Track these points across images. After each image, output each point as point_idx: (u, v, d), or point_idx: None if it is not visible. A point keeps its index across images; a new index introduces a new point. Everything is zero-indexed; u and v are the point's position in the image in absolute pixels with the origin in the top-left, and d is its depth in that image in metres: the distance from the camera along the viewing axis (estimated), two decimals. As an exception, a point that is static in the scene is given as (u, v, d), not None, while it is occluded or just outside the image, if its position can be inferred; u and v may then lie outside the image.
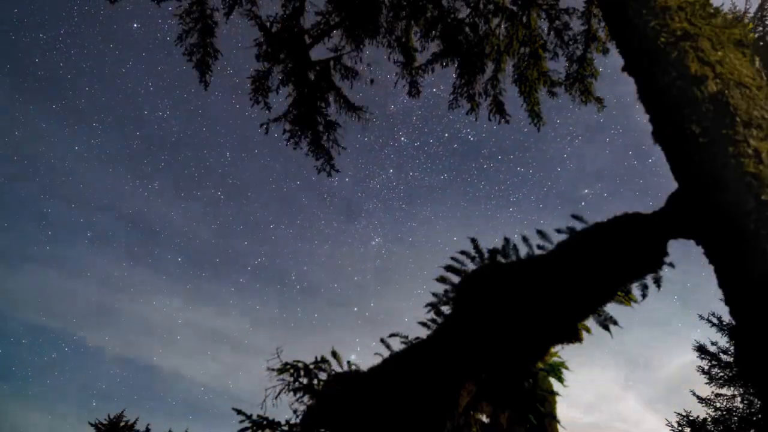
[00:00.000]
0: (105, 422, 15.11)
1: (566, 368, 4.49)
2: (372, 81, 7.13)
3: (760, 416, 11.94)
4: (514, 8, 6.93)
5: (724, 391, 12.90)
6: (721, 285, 1.86)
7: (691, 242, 2.54)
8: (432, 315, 4.38)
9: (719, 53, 2.14)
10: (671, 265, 3.01)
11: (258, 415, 3.66)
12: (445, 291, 4.44)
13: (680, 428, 12.95)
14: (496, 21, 7.08)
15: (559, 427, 4.29)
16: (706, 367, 13.24)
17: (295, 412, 3.66)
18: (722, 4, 2.88)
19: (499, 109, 7.51)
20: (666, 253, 2.90)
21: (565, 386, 4.47)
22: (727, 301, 1.81)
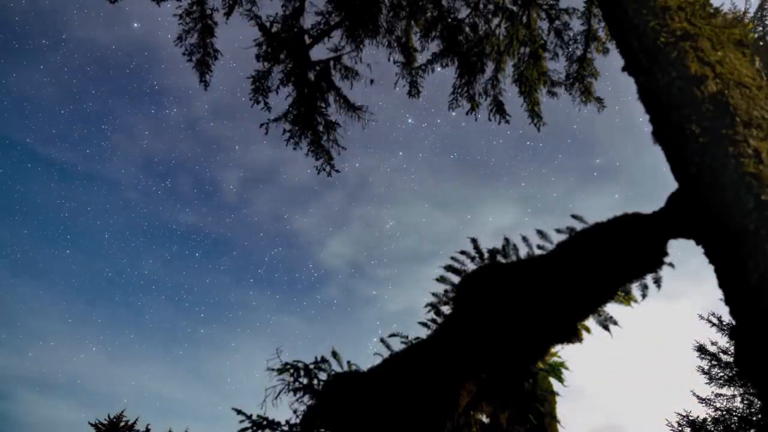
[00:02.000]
0: (105, 422, 15.11)
1: (566, 368, 4.49)
2: (372, 81, 7.12)
3: (760, 416, 11.94)
4: (514, 8, 6.93)
5: (724, 391, 12.90)
6: (721, 285, 1.86)
7: (691, 242, 2.54)
8: (432, 315, 4.38)
9: (719, 53, 2.14)
10: (671, 265, 3.01)
11: (258, 415, 3.66)
12: (445, 291, 4.44)
13: (680, 428, 12.95)
14: (496, 21, 7.07)
15: (559, 427, 4.29)
16: (706, 367, 13.23)
17: (295, 412, 3.66)
18: (722, 4, 2.88)
19: (499, 109, 7.51)
20: (666, 253, 2.90)
21: (565, 386, 4.47)
22: (727, 301, 1.81)
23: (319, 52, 7.00)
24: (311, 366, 3.87)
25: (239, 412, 3.67)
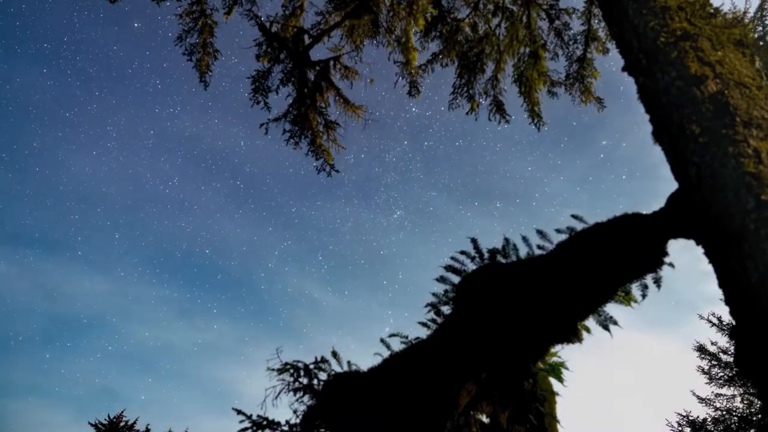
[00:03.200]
0: (105, 422, 15.11)
1: (566, 368, 4.49)
2: (372, 81, 7.13)
3: (760, 416, 11.94)
4: (514, 8, 6.93)
5: (724, 391, 12.90)
6: (721, 285, 1.86)
7: (692, 242, 2.54)
8: (432, 315, 4.38)
9: (719, 53, 2.14)
10: (671, 265, 3.01)
11: (258, 415, 3.66)
12: (445, 291, 4.44)
13: (680, 428, 12.96)
14: (496, 21, 7.08)
15: (559, 427, 4.29)
16: (706, 367, 13.23)
17: (295, 412, 3.66)
18: (722, 4, 2.88)
19: (499, 108, 7.52)
20: (666, 253, 2.90)
21: (565, 386, 4.47)
22: (727, 301, 1.81)
23: (319, 52, 7.01)
24: (311, 366, 3.87)
25: (239, 412, 3.67)
